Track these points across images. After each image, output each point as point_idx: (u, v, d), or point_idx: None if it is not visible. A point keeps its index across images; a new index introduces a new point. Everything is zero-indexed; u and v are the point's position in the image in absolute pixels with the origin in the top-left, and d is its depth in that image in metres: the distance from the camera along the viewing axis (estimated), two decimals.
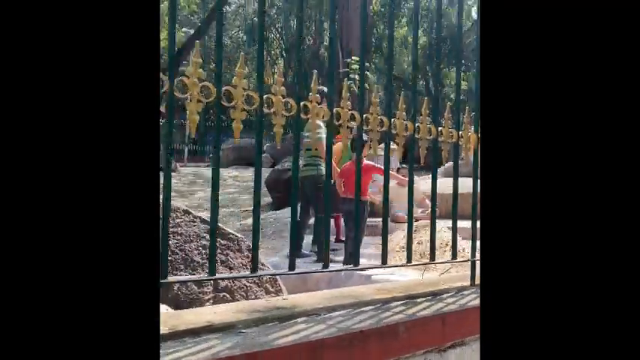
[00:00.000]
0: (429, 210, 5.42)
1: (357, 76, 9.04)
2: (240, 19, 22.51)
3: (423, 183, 6.14)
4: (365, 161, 4.05)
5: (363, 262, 4.23)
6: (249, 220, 7.11)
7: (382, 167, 4.21)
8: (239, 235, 2.61)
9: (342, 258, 4.38)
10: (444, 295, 1.58)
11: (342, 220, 5.29)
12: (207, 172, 12.24)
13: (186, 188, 10.46)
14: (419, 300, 1.49)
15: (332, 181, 4.35)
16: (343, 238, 5.21)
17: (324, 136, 4.08)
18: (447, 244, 4.32)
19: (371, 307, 1.37)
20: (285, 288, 2.56)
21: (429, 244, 4.35)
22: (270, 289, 2.51)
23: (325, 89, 4.38)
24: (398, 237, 4.99)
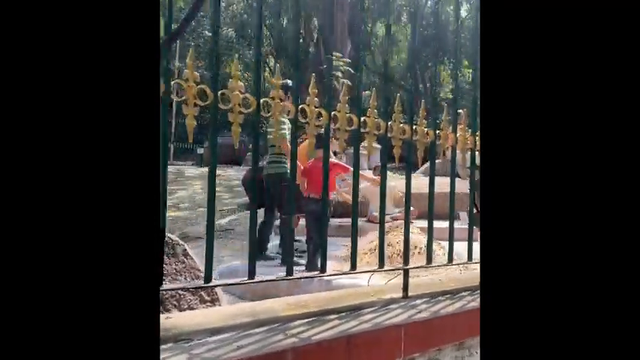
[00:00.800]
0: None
1: (338, 73, 8.89)
2: (230, 16, 22.20)
3: (401, 182, 5.97)
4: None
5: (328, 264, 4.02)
6: (224, 221, 6.91)
7: (348, 165, 4.03)
8: (174, 239, 2.41)
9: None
10: (365, 310, 1.39)
11: None
12: (191, 170, 12.03)
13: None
14: (330, 317, 1.30)
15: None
16: None
17: (287, 132, 3.87)
18: (415, 247, 4.14)
19: (265, 328, 1.17)
20: (223, 296, 2.37)
21: (398, 247, 4.14)
22: (206, 298, 2.32)
23: (290, 83, 4.18)
24: (370, 238, 4.79)
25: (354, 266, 1.48)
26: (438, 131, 1.73)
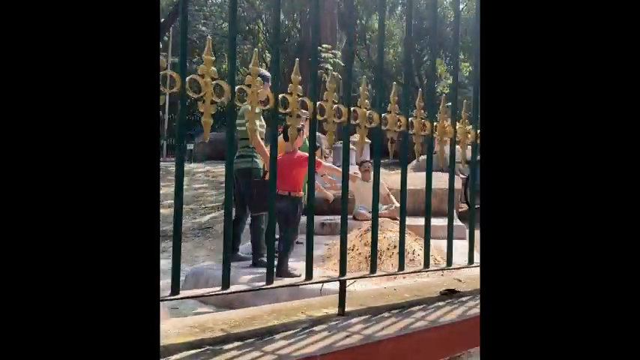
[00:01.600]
0: (393, 206, 4.87)
1: (327, 65, 8.63)
2: (225, 10, 21.77)
3: (387, 178, 5.65)
4: (299, 152, 3.56)
5: (293, 265, 3.75)
6: (204, 218, 6.66)
7: (320, 160, 3.72)
8: None
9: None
10: (279, 335, 1.13)
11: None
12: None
13: None
14: (231, 345, 1.04)
15: (265, 173, 3.88)
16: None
17: (257, 124, 3.57)
18: (395, 247, 3.87)
19: None
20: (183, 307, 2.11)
21: (378, 245, 3.84)
22: None
23: (267, 73, 3.88)
24: (350, 237, 4.51)
25: (269, 280, 1.22)
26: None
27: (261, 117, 3.72)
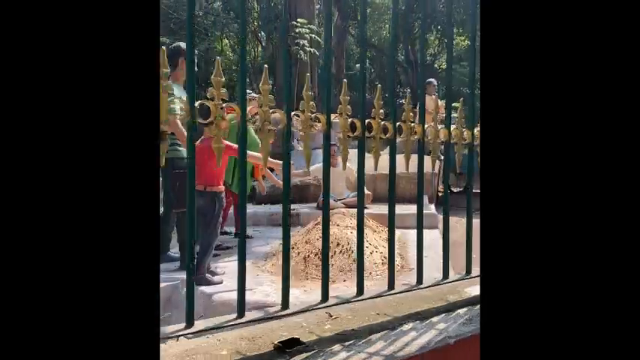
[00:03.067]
0: (365, 194, 4.13)
1: (304, 41, 7.95)
2: None
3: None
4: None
5: (248, 263, 3.07)
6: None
7: (229, 144, 2.92)
8: None
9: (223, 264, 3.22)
10: None
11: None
12: None
13: None
14: None
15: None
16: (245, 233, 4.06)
17: (177, 107, 2.77)
18: (338, 244, 3.23)
19: None
20: None
21: (318, 244, 3.15)
22: None
23: (182, 45, 3.11)
24: (309, 228, 3.84)
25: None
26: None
27: (183, 96, 2.91)
